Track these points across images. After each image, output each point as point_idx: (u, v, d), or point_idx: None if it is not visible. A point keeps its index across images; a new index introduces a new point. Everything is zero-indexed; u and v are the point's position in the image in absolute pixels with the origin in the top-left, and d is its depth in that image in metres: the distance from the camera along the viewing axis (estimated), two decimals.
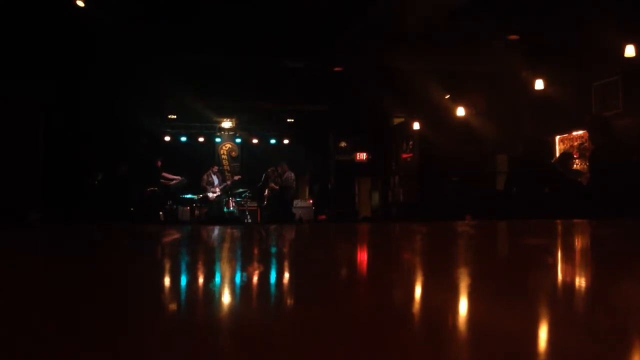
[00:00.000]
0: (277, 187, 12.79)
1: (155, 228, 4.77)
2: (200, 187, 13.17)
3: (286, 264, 1.34)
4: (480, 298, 0.78)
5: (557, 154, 9.42)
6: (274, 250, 1.83)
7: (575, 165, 7.39)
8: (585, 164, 7.26)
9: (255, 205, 14.02)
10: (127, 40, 8.79)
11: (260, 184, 13.20)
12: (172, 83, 10.74)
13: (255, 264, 1.31)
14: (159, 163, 12.33)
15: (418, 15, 7.97)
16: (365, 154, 16.33)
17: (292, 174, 12.80)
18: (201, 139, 16.02)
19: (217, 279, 1.04)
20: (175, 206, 12.84)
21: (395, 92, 11.82)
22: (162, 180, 12.26)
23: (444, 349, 0.50)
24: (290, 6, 7.80)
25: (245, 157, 16.28)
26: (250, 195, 13.80)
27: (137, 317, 0.65)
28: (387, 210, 15.19)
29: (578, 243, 2.10)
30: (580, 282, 0.97)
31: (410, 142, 14.20)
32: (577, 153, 8.55)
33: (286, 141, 16.46)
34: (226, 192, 13.42)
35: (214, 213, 12.86)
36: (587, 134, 8.49)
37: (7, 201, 8.20)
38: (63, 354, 0.49)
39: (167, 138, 15.64)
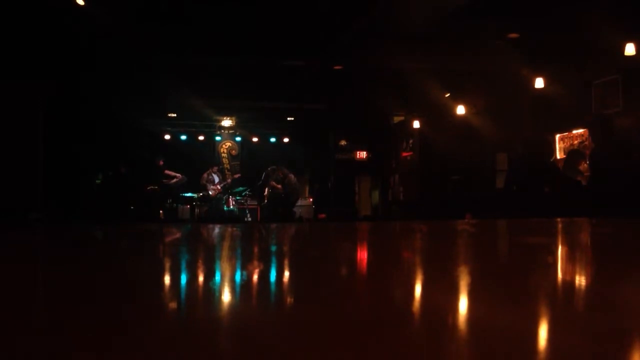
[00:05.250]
0: (278, 186, 12.78)
1: (155, 227, 4.77)
2: (200, 185, 13.17)
3: (286, 262, 1.34)
4: (480, 297, 0.78)
5: (557, 153, 9.42)
6: (274, 248, 1.83)
7: (585, 165, 7.13)
8: (585, 162, 7.24)
9: (255, 203, 14.02)
10: (127, 40, 8.78)
11: (260, 182, 13.20)
12: (172, 82, 10.73)
13: (255, 263, 1.31)
14: (161, 162, 12.33)
15: (418, 14, 7.96)
16: (365, 152, 16.31)
17: (293, 177, 12.77)
18: (201, 138, 16.03)
19: (217, 277, 1.04)
20: (175, 205, 12.83)
21: (395, 91, 11.81)
22: (164, 180, 12.25)
23: (444, 349, 0.50)
24: (290, 6, 7.79)
25: (245, 155, 16.28)
26: (250, 193, 13.80)
27: (138, 317, 0.65)
28: (387, 208, 15.19)
29: (578, 242, 2.10)
30: (580, 281, 0.97)
31: (410, 141, 14.18)
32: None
33: (286, 139, 16.46)
34: (226, 190, 13.42)
35: (214, 211, 12.85)
36: (587, 133, 8.48)
37: (7, 201, 8.19)
38: (63, 354, 0.49)
39: (167, 137, 15.66)
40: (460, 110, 11.56)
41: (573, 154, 7.54)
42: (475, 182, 11.26)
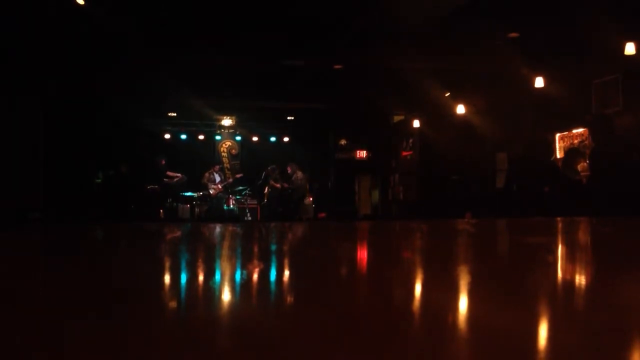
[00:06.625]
0: (277, 185, 12.80)
1: (155, 226, 4.77)
2: (201, 184, 13.16)
3: (286, 261, 1.34)
4: (480, 296, 0.78)
5: (557, 152, 9.41)
6: (274, 247, 1.83)
7: (583, 164, 7.09)
8: (584, 161, 7.24)
9: (255, 203, 14.02)
10: (127, 40, 8.78)
11: (260, 181, 13.20)
12: (172, 81, 10.73)
13: (255, 262, 1.31)
14: (163, 162, 12.34)
15: (418, 13, 7.96)
16: (365, 151, 16.32)
17: (301, 173, 12.81)
18: (201, 137, 16.04)
19: (217, 276, 1.04)
20: (175, 204, 12.83)
21: (396, 90, 11.80)
22: (165, 179, 12.26)
23: (444, 348, 0.50)
24: (290, 5, 7.79)
25: (246, 155, 16.28)
26: (250, 193, 13.81)
27: (137, 317, 0.65)
28: (387, 208, 15.19)
29: (578, 241, 2.10)
30: (580, 280, 0.97)
31: (410, 140, 14.19)
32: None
33: (286, 139, 16.47)
34: (226, 189, 13.42)
35: (214, 211, 12.85)
36: (587, 132, 8.48)
37: (7, 201, 8.20)
38: (63, 353, 0.49)
39: (167, 136, 15.66)
40: (460, 110, 11.56)
41: (571, 153, 7.54)
42: (475, 182, 11.26)
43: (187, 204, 13.09)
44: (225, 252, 1.74)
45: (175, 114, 15.03)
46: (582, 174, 6.96)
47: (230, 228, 3.26)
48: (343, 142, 16.22)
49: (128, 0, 7.75)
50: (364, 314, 0.66)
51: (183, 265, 1.29)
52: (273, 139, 16.49)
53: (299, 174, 12.73)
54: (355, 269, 1.24)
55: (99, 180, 12.18)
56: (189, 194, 13.11)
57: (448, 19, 7.91)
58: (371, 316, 0.64)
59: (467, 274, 1.03)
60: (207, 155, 15.48)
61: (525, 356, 0.47)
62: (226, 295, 0.82)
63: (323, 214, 14.05)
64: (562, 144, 9.42)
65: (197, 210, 13.07)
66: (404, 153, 14.55)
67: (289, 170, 12.72)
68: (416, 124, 13.35)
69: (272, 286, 0.94)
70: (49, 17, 7.78)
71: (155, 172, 12.15)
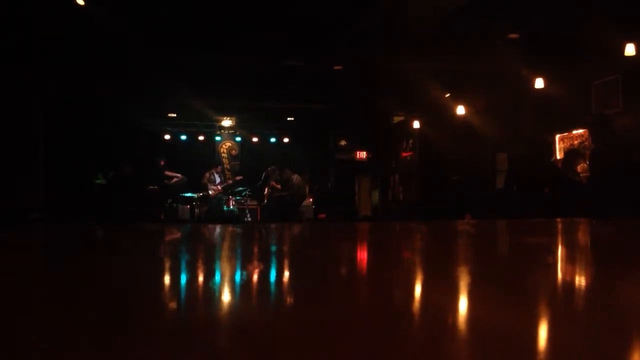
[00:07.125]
0: (278, 186, 12.79)
1: (154, 227, 4.77)
2: (201, 184, 13.16)
3: (286, 262, 1.34)
4: (480, 297, 0.78)
5: (557, 153, 9.42)
6: (273, 248, 1.83)
7: (583, 165, 7.07)
8: (585, 162, 7.24)
9: (255, 203, 14.03)
10: (127, 39, 8.78)
11: (260, 182, 13.20)
12: (172, 81, 10.73)
13: (255, 263, 1.31)
14: (162, 162, 12.35)
15: (418, 14, 7.96)
16: (365, 152, 16.33)
17: (296, 177, 12.77)
18: (201, 138, 16.05)
19: (217, 277, 1.04)
20: (175, 205, 12.83)
21: (396, 90, 11.81)
22: (164, 181, 12.27)
23: (444, 348, 0.50)
24: (290, 5, 7.80)
25: (245, 155, 16.28)
26: (250, 193, 13.81)
27: (138, 316, 0.65)
28: (387, 208, 15.20)
29: (578, 242, 2.10)
30: (580, 281, 0.97)
31: (410, 141, 14.20)
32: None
33: (286, 139, 16.48)
34: (226, 190, 13.43)
35: (213, 212, 12.85)
36: (587, 133, 8.48)
37: (7, 201, 8.19)
38: (63, 353, 0.49)
39: (167, 136, 15.68)
40: (460, 110, 11.56)
41: (571, 153, 7.54)
42: (475, 183, 11.26)
43: (187, 205, 13.09)
44: (224, 253, 1.74)
45: (175, 115, 15.04)
46: (582, 174, 6.95)
47: (229, 229, 3.26)
48: (343, 142, 16.22)
49: (128, 0, 7.75)
50: (364, 314, 0.66)
51: (182, 266, 1.29)
52: (273, 139, 16.50)
53: (294, 177, 12.70)
54: (354, 270, 1.24)
55: (99, 181, 12.18)
56: (188, 194, 13.11)
57: (448, 19, 7.91)
58: (371, 316, 0.64)
59: (467, 275, 1.03)
60: (207, 156, 15.49)
61: (525, 356, 0.47)
62: (225, 296, 0.82)
63: (323, 215, 14.06)
64: (562, 145, 9.42)
65: (197, 211, 13.07)
66: (404, 153, 14.56)
67: (284, 177, 12.69)
68: (416, 124, 13.37)
69: (272, 286, 0.94)
70: (49, 17, 7.77)
71: (155, 172, 12.16)
